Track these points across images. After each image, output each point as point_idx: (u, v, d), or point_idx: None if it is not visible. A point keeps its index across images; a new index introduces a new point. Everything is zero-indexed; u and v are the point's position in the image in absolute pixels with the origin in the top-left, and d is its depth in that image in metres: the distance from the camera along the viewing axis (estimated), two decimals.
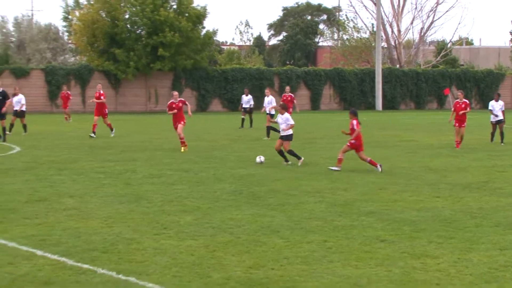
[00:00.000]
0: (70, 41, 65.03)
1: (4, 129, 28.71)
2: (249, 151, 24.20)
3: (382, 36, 69.38)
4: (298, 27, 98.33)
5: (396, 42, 75.43)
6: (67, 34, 65.73)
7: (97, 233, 11.72)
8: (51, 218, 12.98)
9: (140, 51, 54.24)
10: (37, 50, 63.66)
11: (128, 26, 55.62)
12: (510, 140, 28.78)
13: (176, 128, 24.88)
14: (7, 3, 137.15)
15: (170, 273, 9.49)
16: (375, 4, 68.85)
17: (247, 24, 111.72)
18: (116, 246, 10.85)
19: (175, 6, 56.42)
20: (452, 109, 26.92)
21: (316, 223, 12.59)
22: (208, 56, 58.50)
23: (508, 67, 74.28)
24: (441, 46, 77.70)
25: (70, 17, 61.61)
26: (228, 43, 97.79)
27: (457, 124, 26.19)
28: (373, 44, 71.83)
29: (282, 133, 21.10)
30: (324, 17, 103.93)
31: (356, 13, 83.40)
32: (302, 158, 20.78)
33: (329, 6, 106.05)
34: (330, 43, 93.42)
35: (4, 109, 28.23)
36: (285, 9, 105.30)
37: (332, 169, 19.47)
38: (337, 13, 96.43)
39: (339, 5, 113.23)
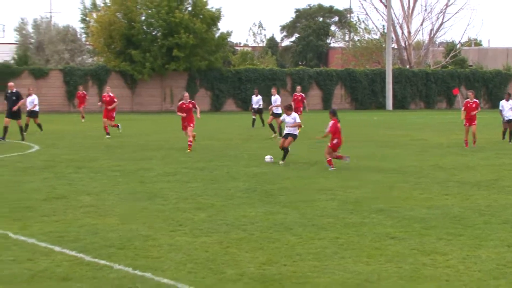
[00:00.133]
0: (87, 43, 65.25)
1: (21, 128, 29.13)
2: (261, 150, 24.30)
3: (392, 38, 69.39)
4: (310, 29, 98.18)
5: (406, 43, 75.45)
6: (84, 35, 66.31)
7: (113, 230, 11.86)
8: (69, 215, 13.14)
9: (155, 52, 54.47)
10: (55, 51, 64.09)
11: (144, 27, 55.86)
12: None
13: (184, 129, 25.12)
14: (26, 5, 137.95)
15: (185, 269, 9.61)
16: (385, 6, 68.89)
17: (260, 26, 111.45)
18: (132, 243, 10.98)
19: (190, 8, 56.60)
20: (463, 108, 27.07)
21: (328, 220, 12.72)
22: (222, 57, 58.62)
23: None
24: (450, 47, 77.58)
25: (87, 19, 62.24)
26: (241, 44, 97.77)
27: (467, 124, 26.36)
28: (383, 45, 71.87)
29: (288, 131, 21.28)
30: (336, 19, 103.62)
31: (367, 15, 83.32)
32: (284, 161, 20.85)
33: (341, 8, 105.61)
34: (341, 44, 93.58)
35: (15, 108, 28.48)
36: (297, 11, 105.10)
37: (330, 170, 19.61)
38: (349, 15, 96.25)
39: (350, 7, 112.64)
